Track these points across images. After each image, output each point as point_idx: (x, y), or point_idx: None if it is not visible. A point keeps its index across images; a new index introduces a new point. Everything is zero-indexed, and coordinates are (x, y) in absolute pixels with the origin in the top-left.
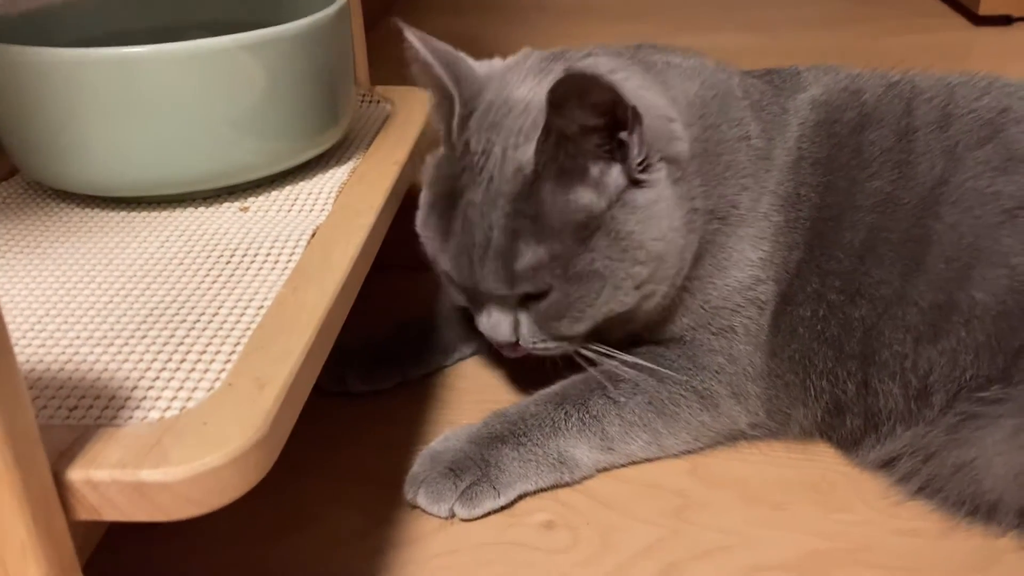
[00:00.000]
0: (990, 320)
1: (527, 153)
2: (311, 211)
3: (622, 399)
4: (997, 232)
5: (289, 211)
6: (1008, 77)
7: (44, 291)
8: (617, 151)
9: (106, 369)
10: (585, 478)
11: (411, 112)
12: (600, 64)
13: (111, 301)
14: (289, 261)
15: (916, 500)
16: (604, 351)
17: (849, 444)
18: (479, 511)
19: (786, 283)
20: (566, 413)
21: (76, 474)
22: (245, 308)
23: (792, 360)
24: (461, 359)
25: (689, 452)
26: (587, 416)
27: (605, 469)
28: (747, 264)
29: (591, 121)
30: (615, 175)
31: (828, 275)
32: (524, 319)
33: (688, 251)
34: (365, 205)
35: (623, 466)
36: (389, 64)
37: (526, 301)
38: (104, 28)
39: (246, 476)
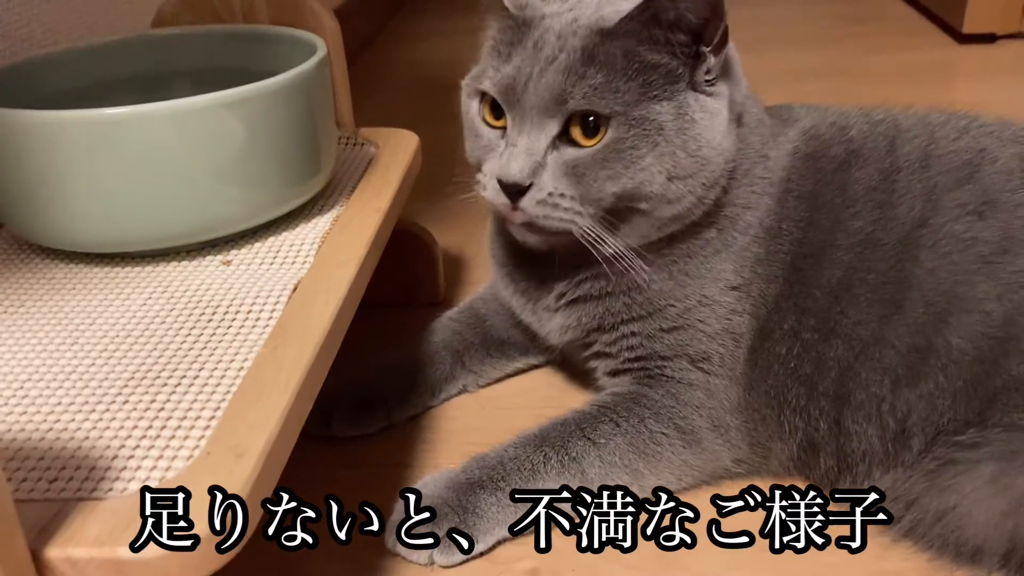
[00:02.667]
0: (966, 365)
1: (617, 12)
2: (293, 263)
3: (602, 440)
4: (973, 278)
5: (271, 264)
6: (986, 117)
7: (27, 354)
8: (690, 59)
9: (87, 438)
10: None
11: (395, 155)
12: None
13: (93, 364)
14: (270, 318)
15: (902, 544)
16: (604, 230)
17: (826, 485)
18: (457, 559)
19: (764, 318)
20: (545, 455)
21: (54, 552)
22: (226, 369)
23: (768, 395)
24: (447, 399)
25: (676, 487)
26: (566, 458)
27: None
28: (727, 287)
29: (687, 18)
30: (685, 81)
31: (804, 313)
32: (552, 165)
33: (719, 184)
34: (346, 256)
35: None
36: (372, 95)
37: (560, 144)
38: (87, 79)
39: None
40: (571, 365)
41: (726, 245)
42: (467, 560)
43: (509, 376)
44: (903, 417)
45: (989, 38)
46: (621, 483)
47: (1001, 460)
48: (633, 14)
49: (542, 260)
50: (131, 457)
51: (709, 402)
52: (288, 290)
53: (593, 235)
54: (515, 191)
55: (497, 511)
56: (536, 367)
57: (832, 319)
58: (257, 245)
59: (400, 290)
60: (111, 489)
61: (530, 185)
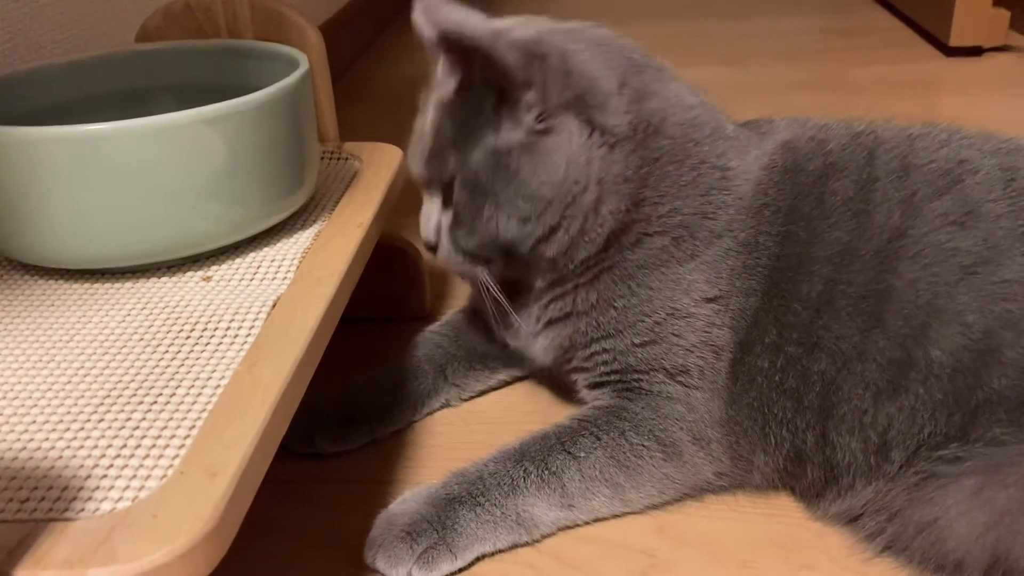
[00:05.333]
0: (947, 378)
1: (451, 86)
2: (273, 280)
3: (582, 454)
4: (954, 290)
5: (251, 280)
6: (967, 129)
7: (2, 372)
8: (517, 107)
9: (60, 457)
10: (545, 536)
11: (379, 169)
12: (525, 25)
13: (69, 382)
14: (248, 335)
15: (883, 558)
16: (495, 288)
17: (811, 496)
18: (436, 574)
19: (744, 331)
20: (525, 470)
21: (23, 574)
22: (202, 387)
23: (751, 408)
24: (430, 413)
25: (654, 506)
26: (546, 472)
27: (567, 527)
28: (702, 299)
29: (489, 81)
30: (509, 128)
31: (786, 327)
32: (443, 226)
33: (593, 215)
34: (327, 272)
35: (586, 523)
36: (360, 109)
37: (445, 207)
38: (70, 94)
39: (195, 571)
40: (554, 378)
41: (691, 255)
42: None
43: (493, 389)
44: (884, 430)
45: (976, 51)
46: (602, 497)
47: (983, 474)
48: (457, 87)
49: (518, 288)
50: (104, 477)
51: (690, 416)
52: (267, 307)
53: (488, 285)
54: (430, 248)
55: (476, 527)
56: (520, 379)
57: (815, 333)
58: (238, 261)
59: (385, 304)
60: (83, 509)
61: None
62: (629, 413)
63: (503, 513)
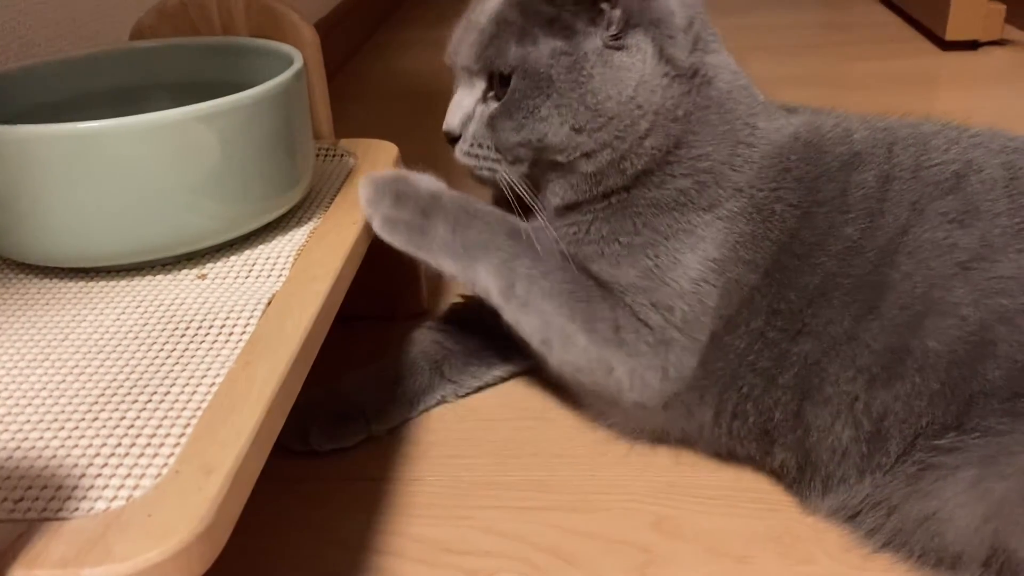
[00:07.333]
0: (943, 368)
1: None
2: (268, 277)
3: (547, 284)
4: (950, 283)
5: (247, 278)
6: (977, 126)
7: None
8: (589, 15)
9: (55, 456)
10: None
11: (374, 165)
12: None
13: (64, 380)
14: (243, 333)
15: (883, 553)
16: (518, 184)
17: (789, 481)
18: (398, 240)
19: (734, 308)
20: (502, 256)
21: (18, 574)
22: (197, 385)
23: (714, 373)
24: (427, 410)
25: (572, 365)
26: (511, 273)
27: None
28: (704, 257)
29: None
30: (590, 37)
31: (775, 314)
32: (478, 118)
33: (654, 134)
34: (322, 270)
35: (515, 324)
36: (356, 105)
37: (489, 98)
38: (64, 92)
39: (190, 569)
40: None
41: (711, 204)
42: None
43: (489, 385)
44: (879, 417)
45: (972, 45)
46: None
47: (980, 465)
48: None
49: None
50: (99, 476)
51: (659, 346)
52: (262, 304)
53: (513, 183)
54: (451, 140)
55: (441, 248)
56: (516, 375)
57: (801, 320)
58: (233, 258)
59: (382, 302)
60: (77, 509)
61: (460, 136)
62: (608, 295)
63: (464, 261)
